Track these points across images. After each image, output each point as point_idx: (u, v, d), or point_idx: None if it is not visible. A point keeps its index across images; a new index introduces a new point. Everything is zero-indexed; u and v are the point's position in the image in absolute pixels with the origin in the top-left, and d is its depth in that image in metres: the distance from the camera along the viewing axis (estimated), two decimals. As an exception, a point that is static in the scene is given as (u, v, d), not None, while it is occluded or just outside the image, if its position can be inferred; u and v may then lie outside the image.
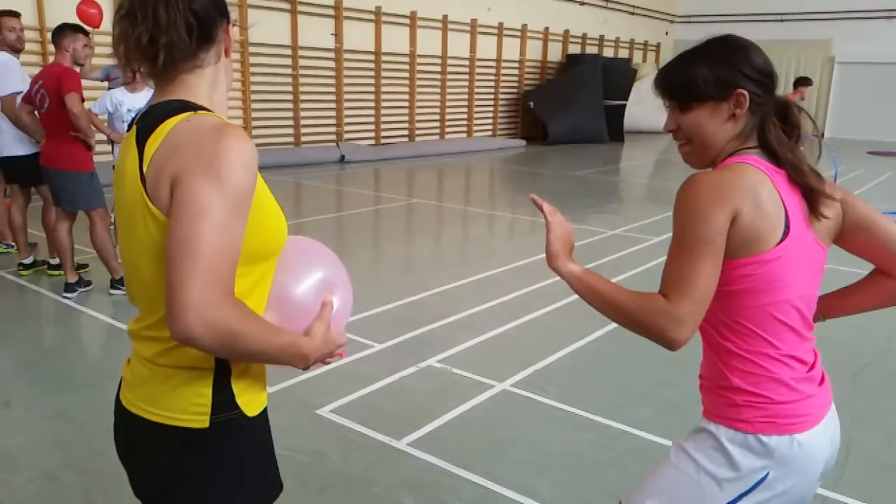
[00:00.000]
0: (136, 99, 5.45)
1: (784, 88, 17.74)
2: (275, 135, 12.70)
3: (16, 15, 5.43)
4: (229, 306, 1.10)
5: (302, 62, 12.86)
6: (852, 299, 1.65)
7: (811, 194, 1.41)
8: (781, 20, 21.99)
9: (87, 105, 5.03)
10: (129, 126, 1.29)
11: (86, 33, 5.11)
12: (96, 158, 5.10)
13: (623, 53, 21.62)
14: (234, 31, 1.33)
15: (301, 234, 1.49)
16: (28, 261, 5.50)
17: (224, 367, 1.26)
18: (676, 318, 1.30)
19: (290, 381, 3.61)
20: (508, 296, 5.20)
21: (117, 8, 1.24)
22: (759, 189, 1.36)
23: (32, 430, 3.22)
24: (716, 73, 1.42)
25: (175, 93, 1.26)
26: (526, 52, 18.06)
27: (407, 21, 14.79)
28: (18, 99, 5.13)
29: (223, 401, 1.26)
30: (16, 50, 5.39)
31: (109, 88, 6.23)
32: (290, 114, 12.95)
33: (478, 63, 16.70)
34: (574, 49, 19.35)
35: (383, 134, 14.77)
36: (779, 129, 1.44)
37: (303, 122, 13.12)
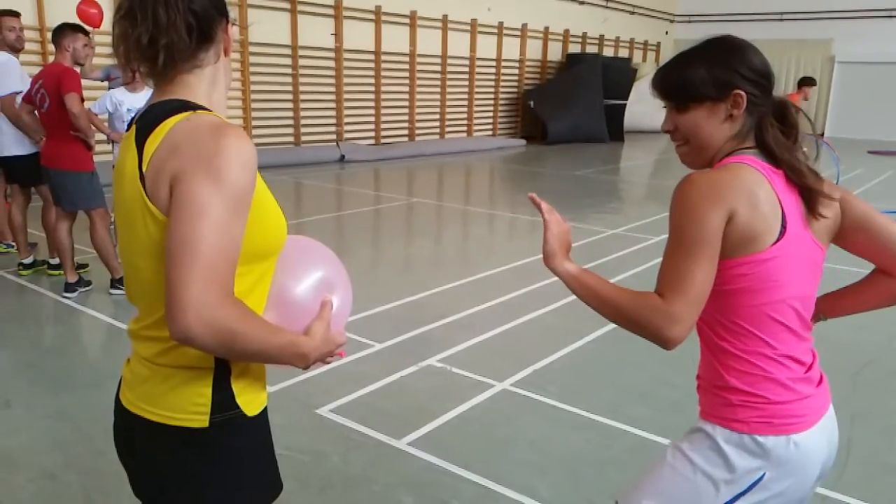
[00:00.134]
0: (136, 99, 5.45)
1: (784, 88, 17.80)
2: (275, 134, 12.70)
3: (16, 15, 5.44)
4: (229, 306, 1.10)
5: (302, 62, 12.85)
6: (853, 299, 1.64)
7: (809, 194, 1.41)
8: (781, 19, 22.00)
9: (87, 105, 5.03)
10: (129, 126, 1.30)
11: (86, 33, 5.11)
12: (96, 158, 5.10)
13: (623, 53, 21.61)
14: (234, 31, 1.33)
15: (301, 234, 1.49)
16: (28, 261, 5.50)
17: (224, 367, 1.26)
18: (672, 316, 1.30)
19: (290, 380, 3.61)
20: (508, 295, 5.21)
21: (117, 8, 1.24)
22: (755, 189, 1.36)
23: (32, 430, 3.22)
24: (713, 74, 1.42)
25: (174, 92, 1.26)
26: (526, 52, 18.05)
27: (407, 20, 14.79)
28: (18, 99, 5.14)
29: (223, 400, 1.26)
30: (16, 50, 5.40)
31: (109, 88, 6.23)
32: (290, 113, 12.95)
33: (478, 62, 16.69)
34: (574, 48, 19.34)
35: (383, 133, 14.77)
36: (776, 130, 1.44)
37: (303, 121, 13.12)
